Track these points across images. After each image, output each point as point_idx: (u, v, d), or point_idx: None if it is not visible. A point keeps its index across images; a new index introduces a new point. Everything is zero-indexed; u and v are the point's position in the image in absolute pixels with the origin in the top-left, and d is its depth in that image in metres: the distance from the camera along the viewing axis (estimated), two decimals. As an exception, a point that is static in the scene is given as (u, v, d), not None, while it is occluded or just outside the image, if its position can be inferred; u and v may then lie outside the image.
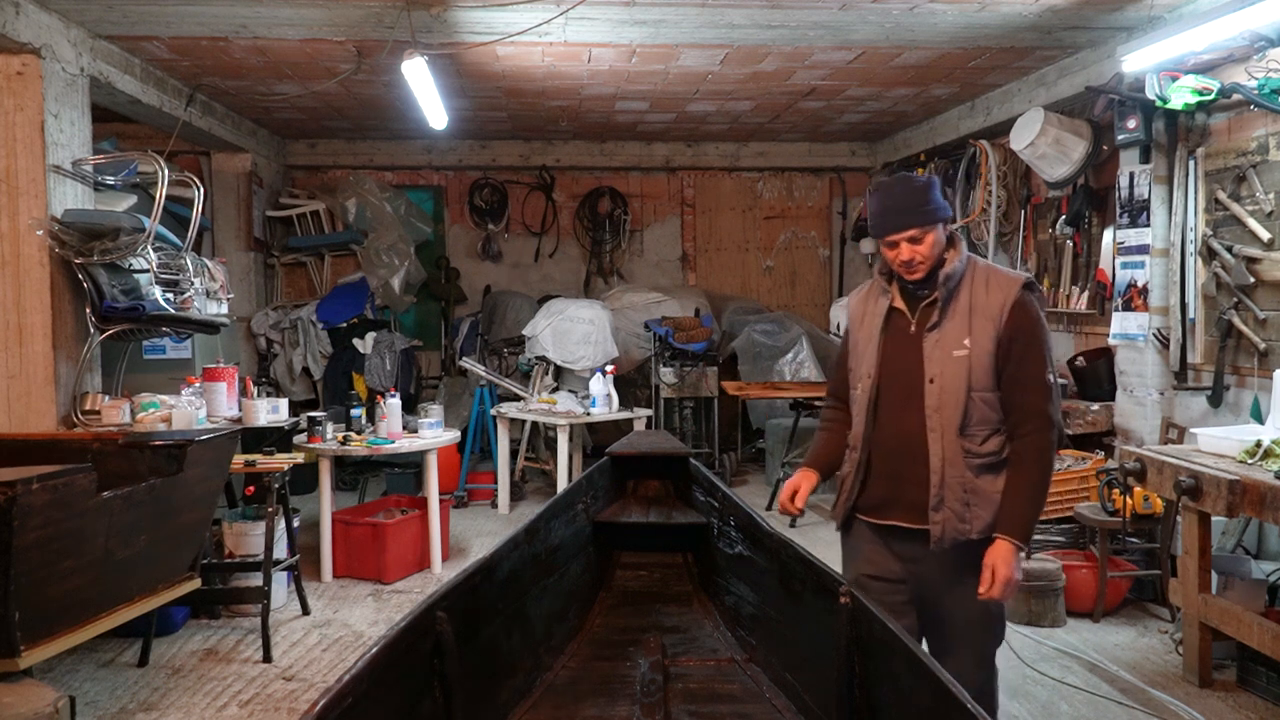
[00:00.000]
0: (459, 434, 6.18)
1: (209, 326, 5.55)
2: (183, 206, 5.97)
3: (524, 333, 7.79)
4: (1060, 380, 6.06)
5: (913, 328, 2.63)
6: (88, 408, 4.99)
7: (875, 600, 2.47)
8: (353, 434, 5.49)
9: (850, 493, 2.72)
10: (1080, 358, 5.99)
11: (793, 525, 6.02)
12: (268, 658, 4.30)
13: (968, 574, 2.54)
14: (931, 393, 2.56)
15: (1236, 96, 4.62)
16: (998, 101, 6.89)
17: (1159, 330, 5.27)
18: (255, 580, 4.60)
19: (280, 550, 4.73)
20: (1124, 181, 5.43)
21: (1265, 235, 4.57)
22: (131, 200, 5.56)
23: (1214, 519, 4.07)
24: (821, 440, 2.91)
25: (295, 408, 6.32)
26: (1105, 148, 5.79)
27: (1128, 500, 4.61)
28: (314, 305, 8.23)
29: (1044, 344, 2.57)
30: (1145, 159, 5.26)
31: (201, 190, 5.40)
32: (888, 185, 2.64)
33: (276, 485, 4.56)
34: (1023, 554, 2.51)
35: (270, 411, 5.50)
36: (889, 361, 2.65)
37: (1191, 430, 4.44)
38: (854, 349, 2.77)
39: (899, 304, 2.67)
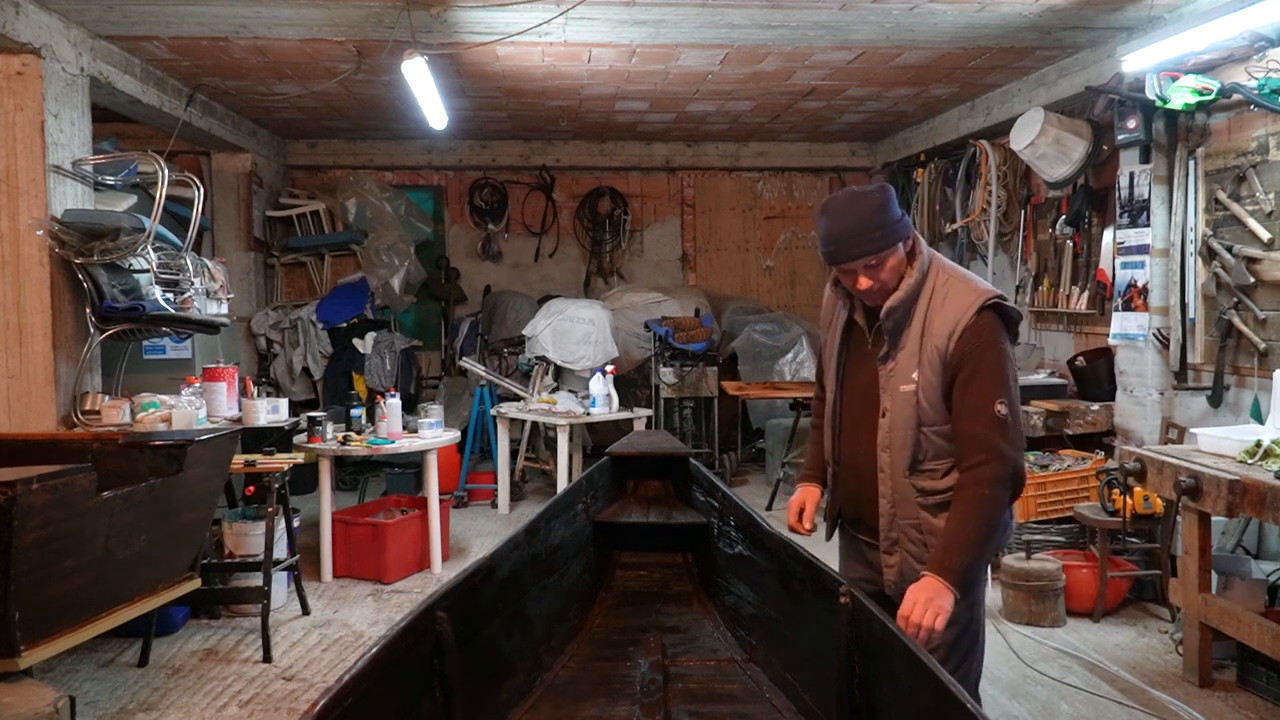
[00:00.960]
0: (459, 434, 6.18)
1: (209, 326, 5.55)
2: (183, 206, 5.97)
3: (524, 333, 7.79)
4: (1063, 378, 6.14)
5: (869, 346, 2.49)
6: (88, 408, 4.99)
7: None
8: (353, 434, 5.50)
9: (832, 503, 2.69)
10: (1080, 358, 5.99)
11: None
12: (268, 658, 4.30)
13: None
14: (883, 427, 2.41)
15: (1236, 96, 4.61)
16: (998, 101, 6.89)
17: (1159, 330, 5.27)
18: (255, 580, 4.60)
19: (280, 550, 4.73)
20: (1124, 181, 5.43)
21: (1265, 235, 4.57)
22: (131, 200, 5.56)
23: (1214, 519, 4.07)
24: (814, 444, 2.83)
25: (295, 408, 6.32)
26: (1105, 148, 5.78)
27: (1128, 500, 4.61)
28: (314, 305, 8.23)
29: (995, 370, 2.29)
30: (1145, 159, 5.26)
31: (201, 190, 5.40)
32: (838, 205, 2.37)
33: (276, 485, 4.56)
34: (951, 596, 2.21)
35: (270, 411, 5.50)
36: (849, 377, 2.55)
37: (1191, 430, 4.44)
38: (824, 349, 2.68)
39: (858, 319, 2.52)
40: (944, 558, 2.26)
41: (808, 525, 2.69)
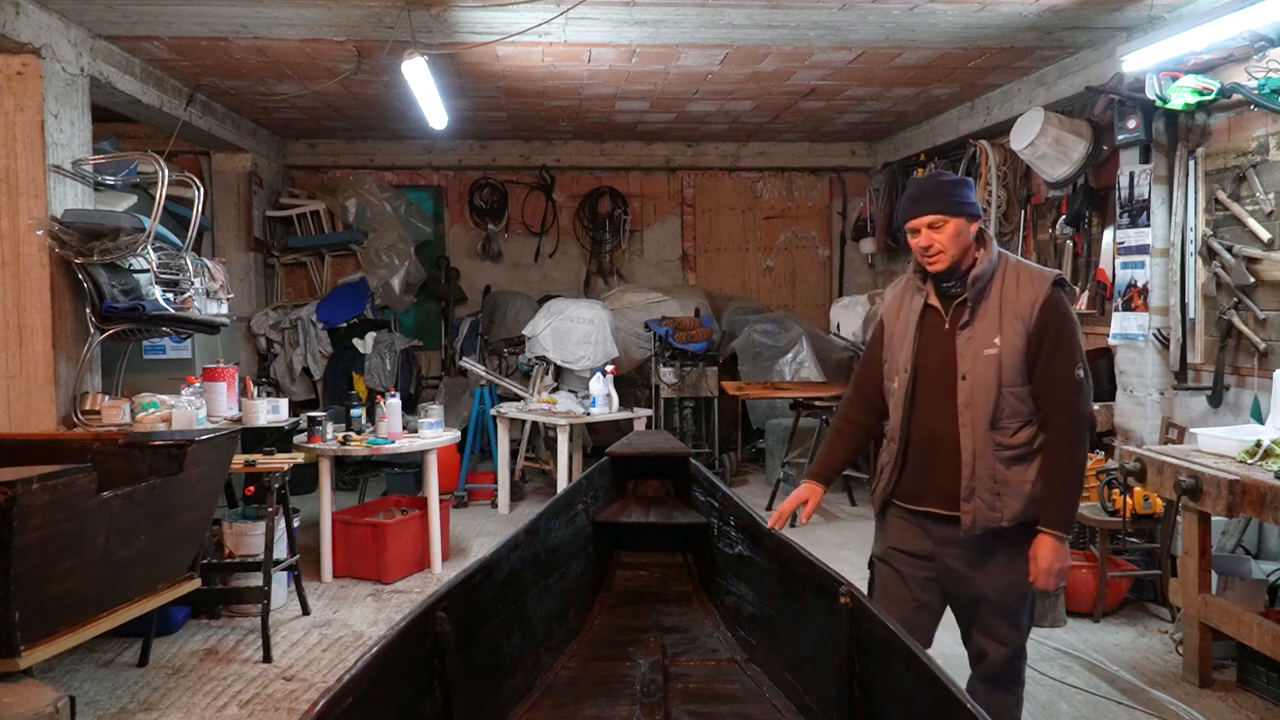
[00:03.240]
0: (459, 434, 6.18)
1: (209, 326, 5.55)
2: (183, 206, 5.97)
3: (524, 333, 7.79)
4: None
5: (946, 325, 2.71)
6: (88, 408, 4.99)
7: (901, 570, 2.72)
8: (353, 434, 5.49)
9: (888, 481, 2.81)
10: (1080, 358, 5.99)
11: (793, 525, 6.01)
12: (268, 658, 4.30)
13: (998, 553, 2.67)
14: (963, 389, 2.64)
15: (1236, 96, 4.62)
16: (998, 101, 6.89)
17: (1159, 330, 5.27)
18: (255, 580, 4.60)
19: (280, 550, 4.73)
20: (1124, 181, 5.43)
21: (1265, 235, 4.57)
22: (131, 200, 5.56)
23: (1214, 519, 4.07)
24: (831, 444, 3.01)
25: (295, 408, 6.31)
26: (1105, 148, 5.78)
27: (1128, 500, 4.61)
28: (314, 305, 8.23)
29: (1074, 340, 2.63)
30: (1145, 159, 5.26)
31: (201, 190, 5.40)
32: (920, 178, 2.77)
33: (276, 485, 4.56)
34: (1065, 542, 2.60)
35: (270, 411, 5.50)
36: (924, 356, 2.73)
37: (1191, 430, 4.44)
38: (889, 341, 2.85)
39: (934, 301, 2.74)
40: (1056, 515, 2.61)
41: (804, 520, 2.92)
